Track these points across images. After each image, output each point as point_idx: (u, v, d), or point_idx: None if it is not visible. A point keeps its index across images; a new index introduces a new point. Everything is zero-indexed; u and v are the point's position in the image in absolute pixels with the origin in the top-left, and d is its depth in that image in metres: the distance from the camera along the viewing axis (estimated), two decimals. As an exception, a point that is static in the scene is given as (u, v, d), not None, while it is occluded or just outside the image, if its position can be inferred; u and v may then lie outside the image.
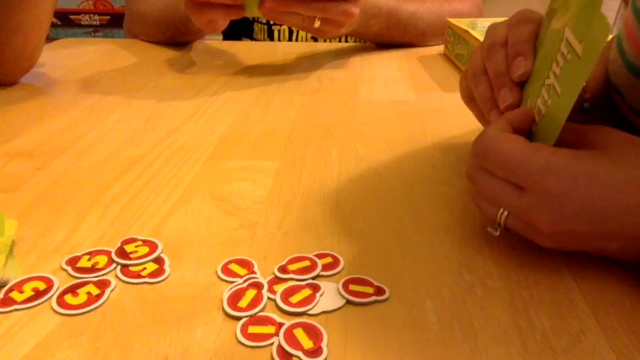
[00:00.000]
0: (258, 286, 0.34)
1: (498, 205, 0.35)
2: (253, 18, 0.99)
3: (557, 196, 0.31)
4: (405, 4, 0.87)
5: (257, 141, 0.55)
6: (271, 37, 1.00)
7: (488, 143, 0.35)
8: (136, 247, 0.38)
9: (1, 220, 0.38)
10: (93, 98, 0.67)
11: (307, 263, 0.36)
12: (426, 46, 0.91)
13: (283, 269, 0.36)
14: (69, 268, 0.36)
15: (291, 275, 0.35)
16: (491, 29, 0.43)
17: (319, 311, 0.32)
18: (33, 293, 0.33)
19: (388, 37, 0.88)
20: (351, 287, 0.34)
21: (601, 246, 0.33)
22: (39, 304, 0.33)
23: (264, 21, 0.99)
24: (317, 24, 0.70)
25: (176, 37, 0.89)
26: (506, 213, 0.35)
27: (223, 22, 0.72)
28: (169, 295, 0.34)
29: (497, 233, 0.36)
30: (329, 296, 0.33)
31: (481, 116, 0.46)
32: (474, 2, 0.96)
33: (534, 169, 0.32)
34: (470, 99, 0.46)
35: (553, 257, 0.37)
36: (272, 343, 0.30)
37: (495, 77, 0.41)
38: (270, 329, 0.31)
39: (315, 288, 0.34)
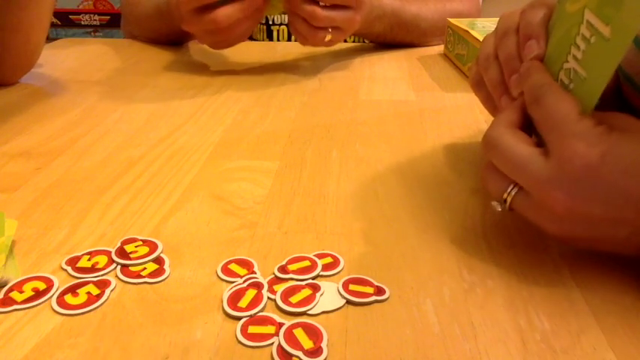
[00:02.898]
0: (258, 286, 0.34)
1: (513, 177, 0.34)
2: None
3: (582, 168, 0.31)
4: (408, 5, 0.87)
5: (257, 141, 0.55)
6: (270, 37, 1.00)
7: (539, 93, 0.34)
8: (136, 247, 0.38)
9: (1, 220, 0.38)
10: (93, 98, 0.67)
11: (307, 263, 0.36)
12: (426, 46, 0.91)
13: (283, 269, 0.35)
14: (69, 268, 0.36)
15: (291, 275, 0.35)
16: (505, 17, 0.42)
17: (319, 311, 0.32)
18: (33, 293, 0.33)
19: (390, 37, 0.88)
20: (351, 287, 0.34)
21: (610, 233, 0.32)
22: (39, 304, 0.33)
23: (264, 21, 0.99)
24: (328, 38, 0.70)
25: (174, 38, 0.89)
26: (515, 190, 0.34)
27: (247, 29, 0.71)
28: (169, 295, 0.34)
29: (500, 209, 0.35)
30: (329, 296, 0.33)
31: (488, 100, 0.45)
32: (474, 2, 0.97)
33: (568, 132, 0.31)
34: (478, 84, 0.45)
35: (553, 257, 0.37)
36: (272, 343, 0.30)
37: (506, 61, 0.40)
38: (270, 329, 0.31)
39: (315, 288, 0.34)
